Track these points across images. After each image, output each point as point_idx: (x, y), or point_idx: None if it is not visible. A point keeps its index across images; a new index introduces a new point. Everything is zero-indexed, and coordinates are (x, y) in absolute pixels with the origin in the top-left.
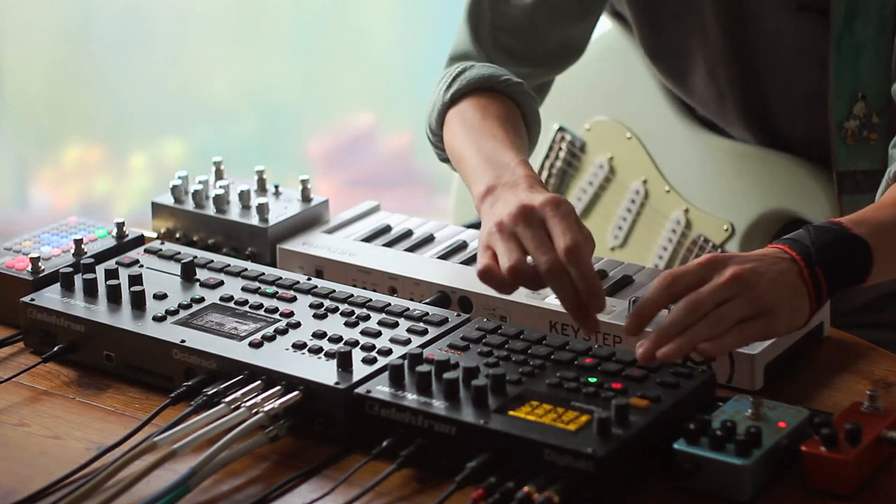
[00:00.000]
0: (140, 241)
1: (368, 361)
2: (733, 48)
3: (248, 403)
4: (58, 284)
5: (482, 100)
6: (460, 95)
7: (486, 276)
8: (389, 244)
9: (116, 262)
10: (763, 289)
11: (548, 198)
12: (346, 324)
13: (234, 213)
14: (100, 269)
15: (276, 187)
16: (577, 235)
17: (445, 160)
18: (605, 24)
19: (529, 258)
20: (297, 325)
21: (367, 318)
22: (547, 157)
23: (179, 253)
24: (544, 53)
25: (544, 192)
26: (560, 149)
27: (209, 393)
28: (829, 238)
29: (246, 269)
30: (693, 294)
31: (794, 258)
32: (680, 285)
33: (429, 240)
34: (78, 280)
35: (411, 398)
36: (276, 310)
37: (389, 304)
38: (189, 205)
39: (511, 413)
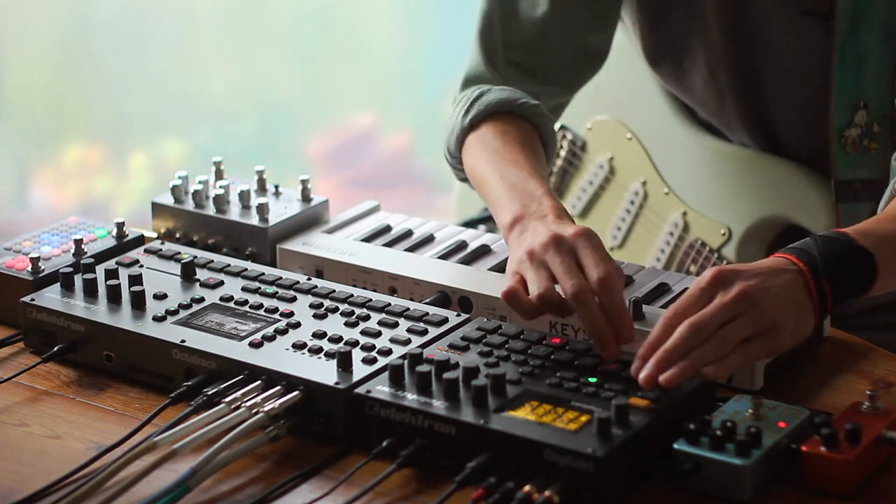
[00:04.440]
0: (140, 241)
1: (368, 361)
2: (735, 50)
3: (248, 403)
4: (58, 284)
5: (501, 124)
6: (479, 120)
7: (511, 298)
8: (389, 244)
9: (116, 262)
10: (768, 305)
11: (579, 229)
12: (346, 324)
13: (234, 213)
14: (100, 269)
15: (276, 187)
16: (611, 267)
17: (464, 180)
18: None
19: (558, 287)
20: (297, 325)
21: (367, 318)
22: None
23: (179, 253)
24: (559, 68)
25: (573, 224)
26: (561, 147)
27: (209, 393)
28: (835, 249)
29: (246, 269)
30: (696, 316)
31: (800, 269)
32: (683, 318)
33: (429, 240)
34: (78, 280)
35: (411, 398)
36: (276, 310)
37: (389, 304)
38: (189, 205)
39: (511, 413)
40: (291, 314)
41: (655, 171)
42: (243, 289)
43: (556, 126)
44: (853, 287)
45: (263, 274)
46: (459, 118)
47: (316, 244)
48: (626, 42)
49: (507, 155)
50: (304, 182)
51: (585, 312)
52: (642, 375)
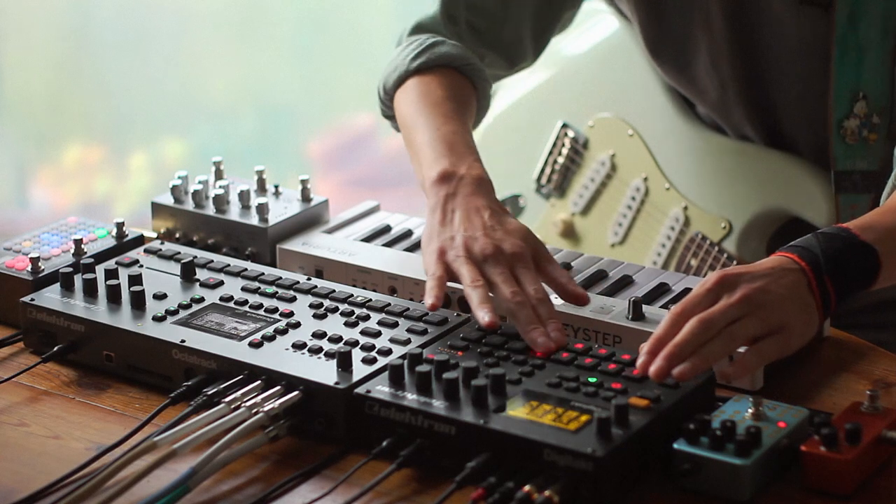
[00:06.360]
0: (140, 241)
1: (368, 361)
2: (737, 40)
3: (248, 403)
4: (58, 284)
5: (447, 78)
6: (426, 67)
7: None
8: (389, 244)
9: (116, 262)
10: (774, 307)
11: (517, 249)
12: (345, 324)
13: (234, 213)
14: (100, 269)
15: (276, 187)
16: (542, 288)
17: (389, 118)
18: (612, 23)
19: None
20: (297, 325)
21: (367, 318)
22: (550, 153)
23: (179, 253)
24: (512, 41)
25: (506, 216)
26: (563, 145)
27: (209, 393)
28: (838, 246)
29: (246, 269)
30: (704, 313)
31: (802, 269)
32: (689, 316)
33: None
34: (78, 280)
35: (411, 398)
36: (276, 310)
37: (389, 304)
38: (189, 205)
39: (511, 413)
40: (291, 314)
41: (656, 167)
42: (243, 289)
43: (559, 123)
44: (856, 283)
45: (263, 274)
46: (407, 60)
47: (316, 244)
48: (627, 40)
49: (446, 111)
50: (303, 182)
51: (524, 314)
52: (653, 369)
